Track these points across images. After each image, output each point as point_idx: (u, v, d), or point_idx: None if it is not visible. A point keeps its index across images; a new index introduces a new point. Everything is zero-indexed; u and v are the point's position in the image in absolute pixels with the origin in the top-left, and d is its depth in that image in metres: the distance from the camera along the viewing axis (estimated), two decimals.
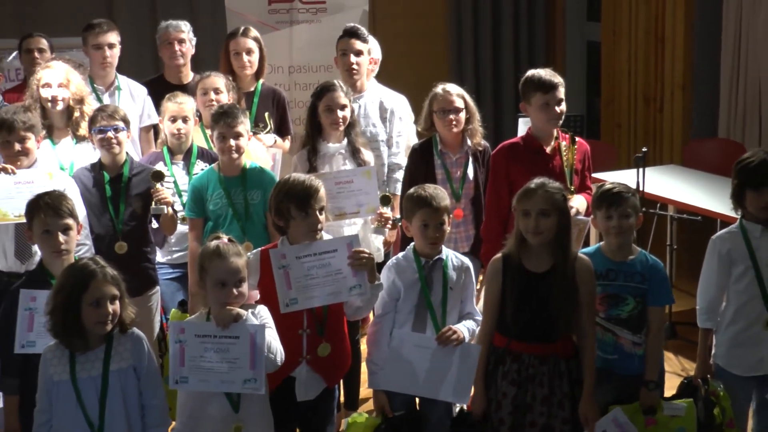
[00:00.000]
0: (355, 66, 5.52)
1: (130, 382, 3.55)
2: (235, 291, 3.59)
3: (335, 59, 5.68)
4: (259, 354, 3.54)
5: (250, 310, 3.65)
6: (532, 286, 3.89)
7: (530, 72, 4.80)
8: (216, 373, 3.53)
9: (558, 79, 4.73)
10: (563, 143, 4.79)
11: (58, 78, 5.08)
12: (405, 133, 5.68)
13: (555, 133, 4.78)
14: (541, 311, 3.87)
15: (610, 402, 3.97)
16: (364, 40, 5.58)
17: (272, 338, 3.62)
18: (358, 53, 5.54)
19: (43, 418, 3.52)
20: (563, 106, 4.72)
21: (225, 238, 3.73)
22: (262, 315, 3.70)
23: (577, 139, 4.86)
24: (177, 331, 3.56)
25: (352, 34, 5.58)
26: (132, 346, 3.57)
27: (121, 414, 3.51)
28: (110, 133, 4.69)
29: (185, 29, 6.03)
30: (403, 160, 5.43)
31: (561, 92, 4.71)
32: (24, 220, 4.34)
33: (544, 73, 4.73)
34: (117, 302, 3.48)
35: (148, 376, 3.60)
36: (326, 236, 4.02)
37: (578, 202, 4.72)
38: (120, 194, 4.73)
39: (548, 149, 4.76)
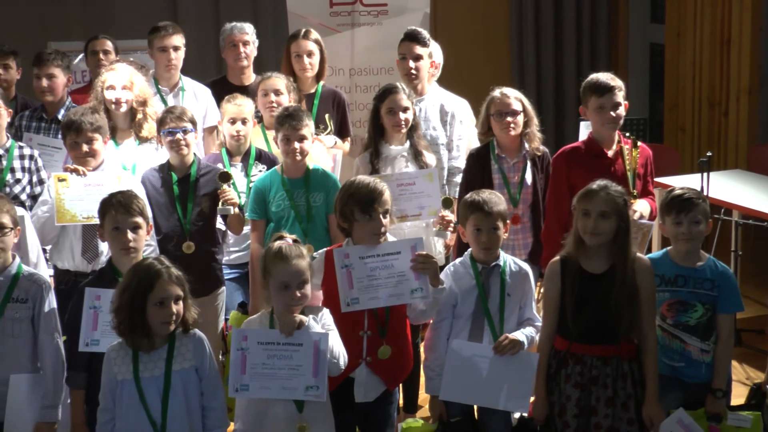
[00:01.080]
0: (413, 70, 5.50)
1: (192, 382, 3.58)
2: (298, 293, 3.60)
3: (397, 62, 5.67)
4: (321, 361, 3.55)
5: (311, 316, 3.66)
6: (591, 288, 3.86)
7: (590, 76, 4.77)
8: (278, 380, 3.55)
9: (616, 82, 4.69)
10: (625, 147, 4.73)
11: (122, 80, 5.15)
12: (465, 137, 5.66)
13: (617, 137, 4.73)
14: (601, 312, 3.83)
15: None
16: (425, 44, 5.56)
17: (335, 342, 3.63)
18: (418, 57, 5.52)
19: (106, 416, 3.56)
20: (621, 110, 4.67)
21: (289, 239, 3.75)
22: (325, 320, 3.71)
23: (639, 143, 4.81)
24: (239, 338, 3.57)
25: (412, 37, 5.56)
26: (194, 347, 3.60)
27: (183, 414, 3.54)
28: (179, 135, 4.74)
29: (249, 31, 6.07)
30: (463, 163, 5.41)
31: (618, 96, 4.66)
32: (92, 222, 4.43)
33: (602, 76, 4.70)
34: (180, 302, 3.51)
35: (210, 377, 3.63)
36: (390, 238, 4.02)
37: (642, 206, 4.66)
38: (188, 194, 4.77)
39: (610, 153, 4.71)
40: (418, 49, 5.52)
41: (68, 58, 6.38)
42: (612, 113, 4.65)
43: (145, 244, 4.18)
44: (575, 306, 3.87)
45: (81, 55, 6.73)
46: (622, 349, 3.88)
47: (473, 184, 4.73)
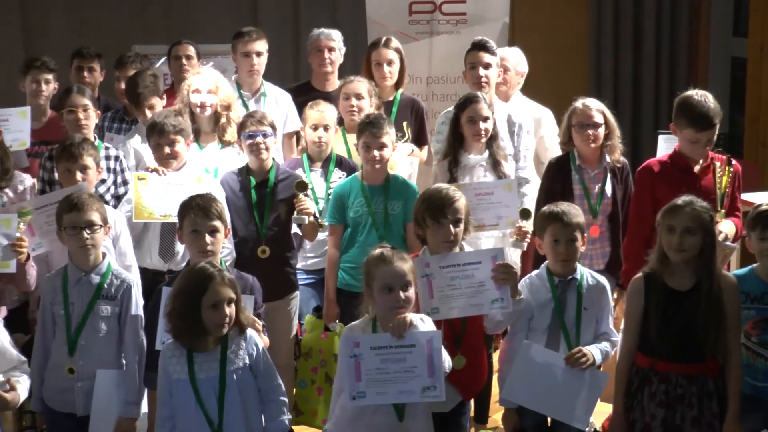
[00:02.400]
0: (483, 79, 5.49)
1: (247, 381, 3.61)
2: (402, 295, 3.60)
3: (464, 72, 5.66)
4: (437, 360, 3.53)
5: (419, 316, 3.66)
6: (676, 305, 3.80)
7: (689, 96, 4.62)
8: (394, 383, 3.53)
9: (717, 117, 4.56)
10: (718, 164, 4.66)
11: (207, 84, 5.22)
12: (532, 147, 5.62)
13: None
14: (687, 330, 3.77)
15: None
16: (493, 53, 5.55)
17: None
18: (487, 66, 5.50)
19: (165, 412, 3.59)
20: (713, 140, 4.60)
21: (388, 247, 3.76)
22: (423, 320, 3.69)
23: (733, 161, 4.72)
24: (351, 345, 3.55)
25: (480, 47, 5.55)
26: (246, 346, 3.63)
27: (239, 413, 3.57)
28: (259, 139, 4.78)
29: (336, 38, 6.10)
30: (529, 174, 5.38)
31: (715, 131, 4.58)
32: (169, 220, 4.50)
33: (703, 105, 4.55)
34: (233, 305, 3.54)
35: (265, 374, 3.66)
36: (467, 248, 4.01)
37: (727, 227, 4.57)
38: (265, 199, 4.81)
39: (696, 168, 4.64)
40: (488, 58, 5.51)
41: (150, 62, 6.51)
42: (706, 147, 4.60)
43: (223, 246, 4.22)
44: (660, 323, 3.81)
45: (163, 59, 6.83)
46: (708, 367, 3.82)
47: (553, 194, 4.71)
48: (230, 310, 3.52)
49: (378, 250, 3.70)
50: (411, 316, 3.59)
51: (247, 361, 3.62)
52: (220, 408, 3.53)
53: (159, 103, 5.47)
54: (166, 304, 3.64)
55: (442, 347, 3.58)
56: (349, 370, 3.53)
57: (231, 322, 3.55)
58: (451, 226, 3.92)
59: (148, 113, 5.33)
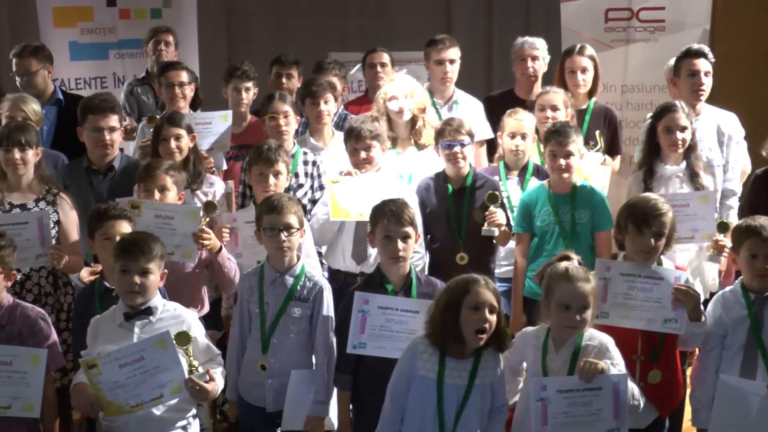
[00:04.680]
0: (704, 87, 5.35)
1: (487, 396, 3.61)
2: (577, 317, 3.57)
3: (671, 80, 5.51)
4: (622, 403, 3.50)
5: (610, 361, 3.57)
6: None
7: None
8: (578, 426, 3.49)
9: None
10: None
11: (403, 90, 5.31)
12: (741, 159, 5.43)
13: None
14: None
15: None
16: (711, 61, 5.42)
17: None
18: (707, 73, 5.37)
19: (396, 408, 3.59)
20: None
21: (575, 260, 3.73)
22: (608, 347, 3.64)
23: None
24: (538, 389, 3.51)
25: (700, 54, 5.42)
26: (494, 365, 3.62)
27: (474, 426, 3.57)
28: (456, 148, 4.83)
29: (540, 47, 6.10)
30: (736, 186, 5.19)
31: None
32: (363, 219, 4.59)
33: None
34: (495, 314, 3.53)
35: (496, 393, 3.65)
36: (666, 262, 3.93)
37: None
38: (462, 206, 4.84)
39: None
40: (707, 66, 5.39)
41: (344, 69, 6.65)
42: None
43: (414, 251, 4.27)
44: None
45: (358, 66, 6.97)
46: None
47: (758, 207, 4.56)
48: (491, 317, 3.51)
49: (564, 264, 3.67)
50: (602, 363, 3.52)
51: (493, 379, 3.61)
52: (457, 417, 3.55)
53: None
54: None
55: (632, 387, 3.53)
56: (536, 416, 3.49)
57: (490, 331, 3.52)
58: (653, 239, 3.86)
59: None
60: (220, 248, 4.55)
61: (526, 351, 3.77)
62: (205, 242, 4.47)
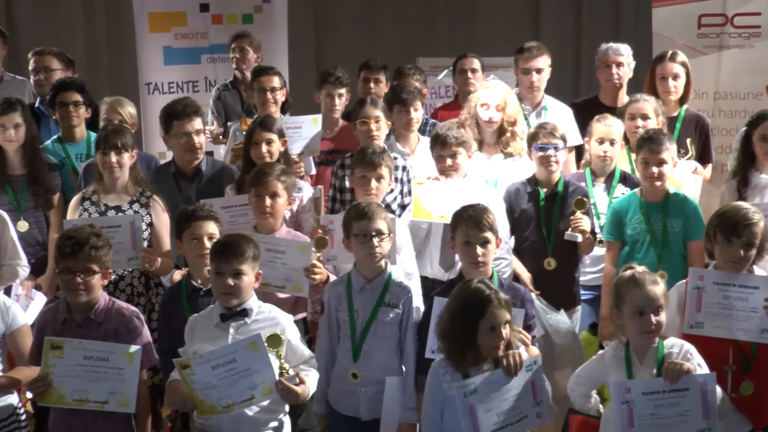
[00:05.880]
0: None
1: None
2: (653, 319, 3.54)
3: None
4: (711, 401, 3.45)
5: (696, 362, 3.55)
6: None
7: None
8: (667, 428, 3.46)
9: None
10: None
11: (496, 99, 5.30)
12: None
13: None
14: None
15: None
16: None
17: None
18: None
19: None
20: None
21: (639, 269, 3.68)
22: (691, 353, 3.59)
23: None
24: (622, 391, 3.50)
25: None
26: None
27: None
28: (550, 151, 4.83)
29: (624, 53, 6.04)
30: None
31: None
32: (445, 221, 4.59)
33: None
34: (508, 327, 3.52)
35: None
36: (758, 271, 3.86)
37: None
38: (553, 211, 4.84)
39: None
40: None
41: (425, 74, 6.64)
42: None
43: (500, 257, 4.24)
44: None
45: (446, 71, 6.98)
46: None
47: None
48: (506, 331, 3.51)
49: (629, 272, 3.64)
50: (688, 364, 3.48)
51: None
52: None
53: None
54: (437, 320, 3.68)
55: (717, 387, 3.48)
56: (621, 417, 3.46)
57: (505, 343, 3.52)
58: (742, 249, 3.80)
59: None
60: (327, 278, 4.52)
61: (607, 373, 3.70)
62: (316, 276, 4.45)
